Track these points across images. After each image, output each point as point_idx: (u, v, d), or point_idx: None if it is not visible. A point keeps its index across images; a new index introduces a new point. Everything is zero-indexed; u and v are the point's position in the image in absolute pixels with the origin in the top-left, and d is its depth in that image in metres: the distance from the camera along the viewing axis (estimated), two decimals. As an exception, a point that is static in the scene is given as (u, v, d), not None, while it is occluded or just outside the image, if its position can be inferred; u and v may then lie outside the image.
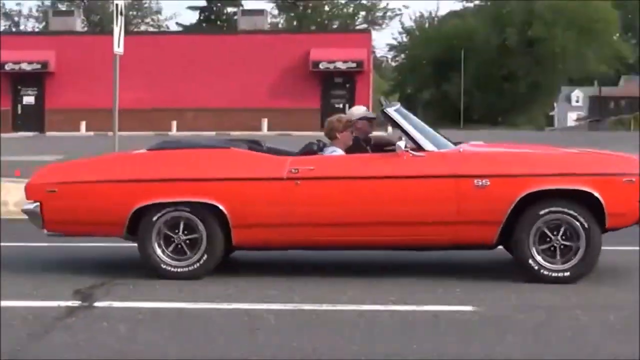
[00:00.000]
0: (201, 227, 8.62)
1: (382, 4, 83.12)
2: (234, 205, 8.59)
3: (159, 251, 8.69)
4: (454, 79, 70.75)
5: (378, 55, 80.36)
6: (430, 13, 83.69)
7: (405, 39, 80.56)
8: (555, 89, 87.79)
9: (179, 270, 8.65)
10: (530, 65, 73.54)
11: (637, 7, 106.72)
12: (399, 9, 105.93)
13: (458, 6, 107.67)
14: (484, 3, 80.00)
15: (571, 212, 8.43)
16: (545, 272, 8.41)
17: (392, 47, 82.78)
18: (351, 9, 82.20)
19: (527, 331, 6.54)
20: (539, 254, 8.45)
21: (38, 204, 8.80)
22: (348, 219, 8.64)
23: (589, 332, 6.47)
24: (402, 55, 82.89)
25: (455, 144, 9.00)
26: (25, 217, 9.21)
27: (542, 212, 8.43)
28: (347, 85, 47.69)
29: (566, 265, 8.45)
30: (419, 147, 8.68)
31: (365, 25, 77.32)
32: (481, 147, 9.72)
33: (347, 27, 75.91)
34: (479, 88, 71.05)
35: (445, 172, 8.63)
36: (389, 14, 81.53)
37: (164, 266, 8.65)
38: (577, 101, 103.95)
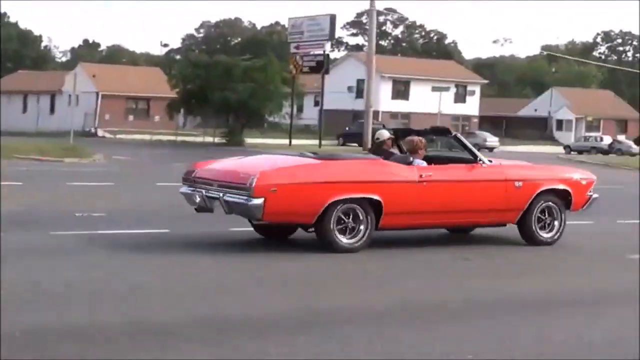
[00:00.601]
0: (363, 215, 11.14)
1: None
2: (388, 199, 11.29)
3: (336, 232, 10.99)
4: None
5: None
6: None
7: None
8: None
9: (347, 246, 11.04)
10: None
11: None
12: None
13: None
14: None
15: (556, 201, 12.77)
16: (540, 238, 12.60)
17: None
18: None
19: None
20: (537, 227, 12.59)
21: (263, 199, 10.55)
22: (452, 207, 11.98)
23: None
24: None
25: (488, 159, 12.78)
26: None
27: (541, 202, 12.61)
28: None
29: (550, 234, 12.70)
30: (479, 161, 12.29)
31: None
32: (508, 161, 13.82)
33: None
34: None
35: (500, 177, 12.36)
36: None
37: (339, 242, 11.01)
38: None
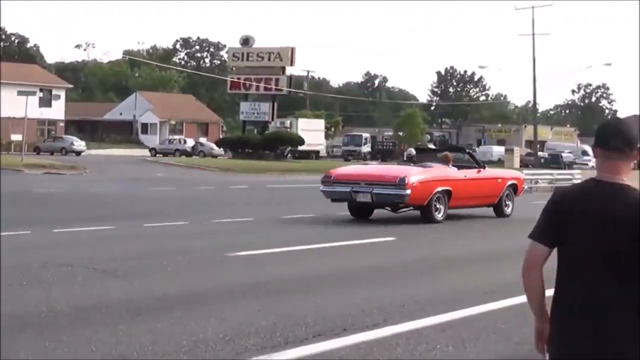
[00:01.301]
0: (443, 200, 18.65)
1: None
2: (455, 189, 18.84)
3: (434, 210, 18.40)
4: None
5: None
6: None
7: None
8: None
9: (438, 219, 18.44)
10: None
11: None
12: None
13: None
14: None
15: (512, 190, 21.39)
16: (506, 213, 21.09)
17: None
18: None
19: None
20: (504, 207, 21.18)
21: (410, 191, 17.79)
22: (477, 194, 19.89)
23: None
24: None
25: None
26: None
27: (506, 191, 21.14)
28: None
29: (509, 210, 21.28)
30: (481, 166, 21.11)
31: None
32: (486, 169, 22.13)
33: None
34: None
35: (491, 176, 21.15)
36: None
37: (436, 217, 18.38)
38: None
